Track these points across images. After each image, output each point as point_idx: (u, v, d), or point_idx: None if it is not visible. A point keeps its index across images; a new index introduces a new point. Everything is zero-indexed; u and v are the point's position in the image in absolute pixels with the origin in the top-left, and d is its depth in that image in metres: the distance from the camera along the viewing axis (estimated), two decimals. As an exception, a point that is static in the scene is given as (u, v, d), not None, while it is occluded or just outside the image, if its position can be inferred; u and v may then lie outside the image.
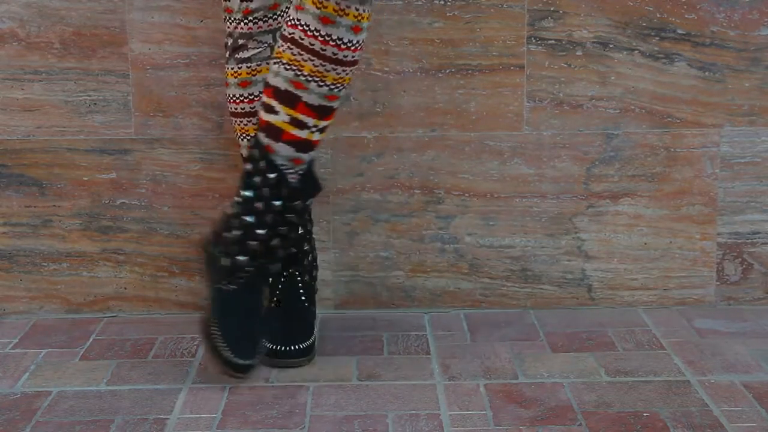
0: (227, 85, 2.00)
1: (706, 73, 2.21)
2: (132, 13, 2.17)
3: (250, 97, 1.97)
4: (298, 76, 1.76)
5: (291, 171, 1.84)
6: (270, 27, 1.94)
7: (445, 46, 2.19)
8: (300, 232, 2.02)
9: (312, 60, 1.74)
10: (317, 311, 2.24)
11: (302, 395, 1.84)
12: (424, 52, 2.19)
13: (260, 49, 1.95)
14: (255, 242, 1.86)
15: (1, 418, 1.76)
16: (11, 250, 2.25)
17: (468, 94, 2.21)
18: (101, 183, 2.23)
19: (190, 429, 1.72)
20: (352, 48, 1.75)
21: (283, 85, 1.78)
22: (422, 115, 2.22)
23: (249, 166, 1.84)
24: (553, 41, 2.19)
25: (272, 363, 1.96)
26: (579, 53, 2.20)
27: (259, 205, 1.84)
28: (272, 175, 1.82)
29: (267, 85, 1.81)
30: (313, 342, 2.00)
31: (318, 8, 1.70)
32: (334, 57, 1.74)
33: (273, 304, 2.04)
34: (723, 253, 2.27)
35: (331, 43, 1.72)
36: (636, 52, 2.20)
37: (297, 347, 1.96)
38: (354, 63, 1.77)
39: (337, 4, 1.70)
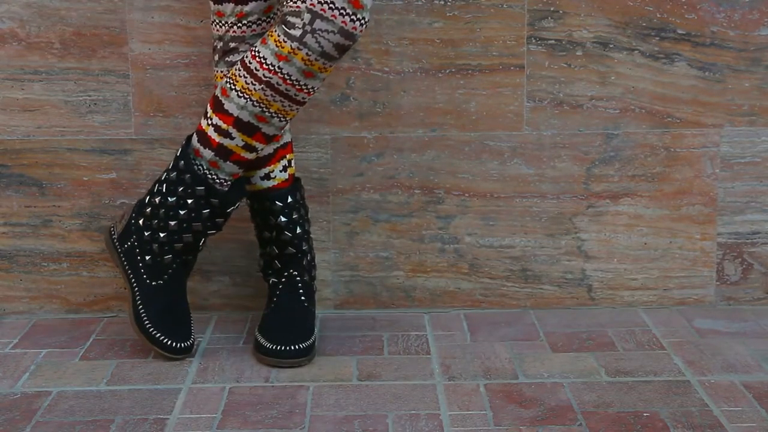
0: (216, 87, 2.00)
1: (706, 73, 2.21)
2: (132, 13, 2.17)
3: None
4: (264, 112, 1.88)
5: (226, 182, 1.95)
6: (263, 30, 1.96)
7: (445, 46, 2.19)
8: (298, 231, 2.03)
9: (282, 102, 1.86)
10: (317, 311, 2.25)
11: (302, 395, 1.84)
12: (424, 52, 2.19)
13: None
14: (181, 244, 1.97)
15: (1, 418, 1.76)
16: (11, 250, 2.25)
17: (468, 94, 2.21)
18: (101, 183, 2.23)
19: (190, 429, 1.72)
20: (314, 93, 1.89)
21: (247, 117, 1.88)
22: (422, 115, 2.22)
23: (173, 175, 1.94)
24: (553, 41, 2.19)
25: (272, 363, 1.96)
26: (579, 53, 2.20)
27: (185, 213, 1.94)
28: (201, 188, 1.93)
29: (227, 112, 1.89)
30: (313, 342, 2.00)
31: (306, 65, 1.81)
32: (303, 101, 1.87)
33: (272, 305, 2.05)
34: (723, 253, 2.27)
35: (305, 90, 1.85)
36: (636, 52, 2.20)
37: (297, 347, 1.96)
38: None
39: (323, 64, 1.82)
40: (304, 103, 1.88)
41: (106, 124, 2.21)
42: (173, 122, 2.21)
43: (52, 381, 1.92)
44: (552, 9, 2.18)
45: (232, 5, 1.93)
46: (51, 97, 2.20)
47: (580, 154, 2.23)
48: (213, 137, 1.91)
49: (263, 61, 1.83)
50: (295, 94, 1.85)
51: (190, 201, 1.94)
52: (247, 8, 1.93)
